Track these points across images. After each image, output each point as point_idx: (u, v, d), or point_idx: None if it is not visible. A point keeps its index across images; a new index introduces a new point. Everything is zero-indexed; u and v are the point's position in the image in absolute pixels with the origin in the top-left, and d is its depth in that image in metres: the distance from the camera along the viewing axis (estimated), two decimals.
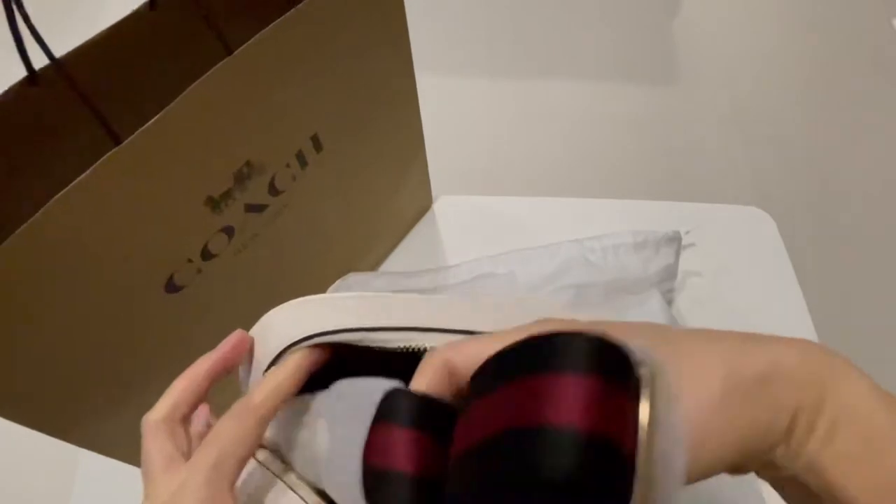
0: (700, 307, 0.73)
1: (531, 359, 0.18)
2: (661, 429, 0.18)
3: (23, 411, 0.43)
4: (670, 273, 0.67)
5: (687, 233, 0.72)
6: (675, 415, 0.18)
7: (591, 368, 0.18)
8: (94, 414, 0.50)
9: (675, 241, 0.68)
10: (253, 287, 0.55)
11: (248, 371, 0.38)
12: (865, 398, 0.26)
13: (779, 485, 0.29)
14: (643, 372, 0.19)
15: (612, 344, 0.19)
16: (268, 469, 0.35)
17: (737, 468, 0.27)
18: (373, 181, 0.67)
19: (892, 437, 0.25)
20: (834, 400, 0.26)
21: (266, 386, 0.34)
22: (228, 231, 0.49)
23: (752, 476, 0.29)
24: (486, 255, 0.70)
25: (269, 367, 0.36)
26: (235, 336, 0.38)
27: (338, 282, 0.65)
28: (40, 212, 0.34)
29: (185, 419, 0.36)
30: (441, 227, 0.81)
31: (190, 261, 0.48)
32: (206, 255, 0.48)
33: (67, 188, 0.35)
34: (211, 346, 0.56)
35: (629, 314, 0.63)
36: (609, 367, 0.18)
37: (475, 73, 1.02)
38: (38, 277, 0.38)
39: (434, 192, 0.81)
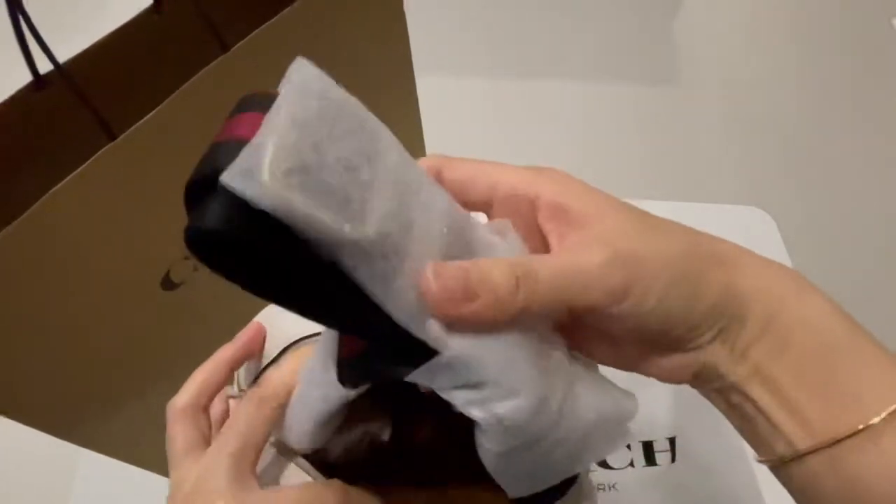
0: None
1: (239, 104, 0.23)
2: (281, 116, 0.21)
3: (21, 408, 0.43)
4: None
5: None
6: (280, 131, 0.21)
7: (253, 107, 0.22)
8: (93, 413, 0.50)
9: None
10: None
11: (257, 363, 0.39)
12: (824, 313, 0.27)
13: (722, 402, 0.30)
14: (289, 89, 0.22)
15: (270, 94, 0.22)
16: (280, 453, 0.36)
17: (677, 341, 0.28)
18: None
19: (845, 350, 0.27)
20: (791, 313, 0.27)
21: (280, 377, 0.36)
22: None
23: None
24: None
25: (272, 361, 0.38)
26: (253, 327, 0.40)
27: None
28: (34, 206, 0.34)
29: (207, 406, 0.38)
30: None
31: (186, 258, 0.48)
32: None
33: (61, 183, 0.35)
34: (208, 342, 0.56)
35: None
36: (266, 104, 0.21)
37: (475, 73, 1.02)
38: (33, 273, 0.38)
39: None
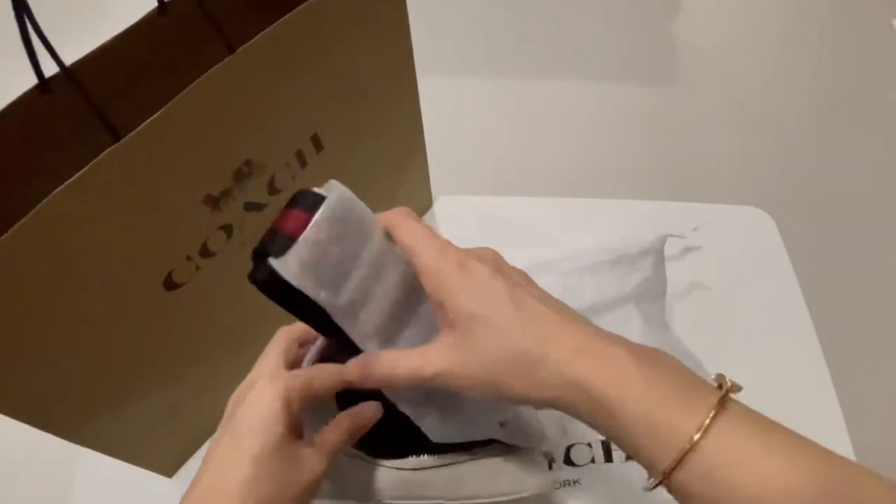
0: (698, 306, 0.73)
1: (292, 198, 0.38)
2: (312, 230, 0.36)
3: (21, 408, 0.43)
4: (650, 285, 0.66)
5: (694, 229, 0.71)
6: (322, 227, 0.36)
7: (299, 205, 0.37)
8: (94, 412, 0.50)
9: (651, 253, 0.66)
10: (252, 286, 0.55)
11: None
12: (629, 378, 0.34)
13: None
14: (324, 207, 0.36)
15: (318, 194, 0.37)
16: None
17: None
18: (373, 181, 0.67)
19: (654, 399, 0.34)
20: (608, 384, 0.34)
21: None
22: (227, 229, 0.49)
23: None
24: None
25: None
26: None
27: None
28: (38, 206, 0.34)
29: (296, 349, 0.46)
30: (441, 227, 0.81)
31: (189, 258, 0.48)
32: (206, 252, 0.48)
33: (66, 183, 0.35)
34: (210, 342, 0.56)
35: None
36: (308, 204, 0.36)
37: (475, 73, 1.02)
38: (38, 273, 0.38)
39: (434, 192, 0.81)
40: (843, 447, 0.63)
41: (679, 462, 0.32)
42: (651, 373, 0.35)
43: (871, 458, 0.59)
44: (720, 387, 0.35)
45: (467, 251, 0.39)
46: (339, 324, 0.38)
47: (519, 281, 0.39)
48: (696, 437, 0.32)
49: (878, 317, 0.77)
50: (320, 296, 0.36)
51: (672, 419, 0.33)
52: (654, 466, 0.34)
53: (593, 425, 0.36)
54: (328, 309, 0.37)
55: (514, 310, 0.36)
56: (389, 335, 0.41)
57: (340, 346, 0.40)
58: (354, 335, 0.39)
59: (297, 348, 0.45)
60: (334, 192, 0.37)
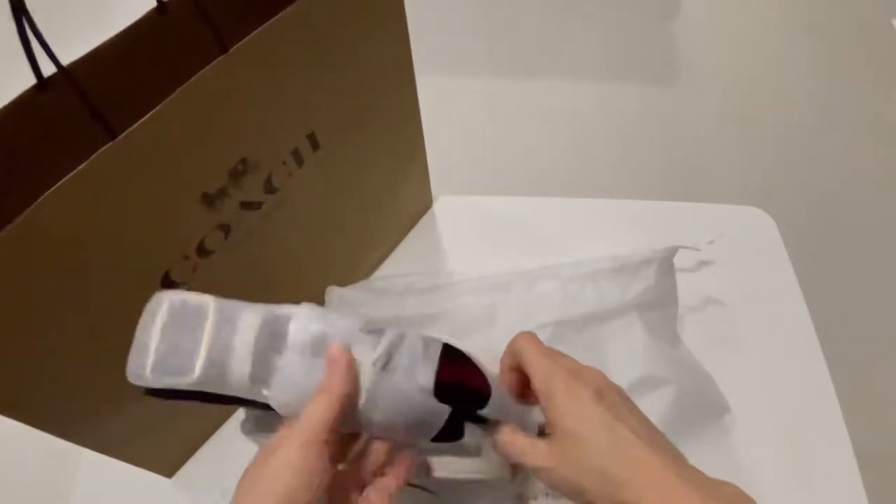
0: (698, 307, 0.73)
1: None
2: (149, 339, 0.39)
3: (21, 408, 0.43)
4: (654, 294, 0.65)
5: (710, 242, 0.71)
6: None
7: None
8: (94, 413, 0.50)
9: (654, 262, 0.65)
10: (250, 284, 0.55)
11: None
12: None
13: None
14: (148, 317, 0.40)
15: None
16: None
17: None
18: (372, 181, 0.67)
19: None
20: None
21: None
22: (224, 228, 0.49)
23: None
24: (480, 261, 0.69)
25: None
26: None
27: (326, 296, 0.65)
28: (33, 205, 0.34)
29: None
30: (441, 227, 0.81)
31: (186, 257, 0.48)
32: (202, 251, 0.48)
33: (61, 182, 0.35)
34: None
35: (608, 347, 0.62)
36: None
37: (475, 73, 1.02)
38: (33, 273, 0.38)
39: (434, 192, 0.81)
40: (843, 447, 0.63)
41: None
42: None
43: (871, 458, 0.59)
44: None
45: (574, 368, 0.46)
46: (218, 392, 0.41)
47: (616, 403, 0.44)
48: None
49: (878, 316, 0.76)
50: (180, 384, 0.39)
51: None
52: None
53: None
54: (196, 388, 0.40)
55: (608, 437, 0.42)
56: (266, 375, 0.42)
57: (246, 407, 0.44)
58: (242, 393, 0.41)
59: None
60: (162, 303, 0.40)
